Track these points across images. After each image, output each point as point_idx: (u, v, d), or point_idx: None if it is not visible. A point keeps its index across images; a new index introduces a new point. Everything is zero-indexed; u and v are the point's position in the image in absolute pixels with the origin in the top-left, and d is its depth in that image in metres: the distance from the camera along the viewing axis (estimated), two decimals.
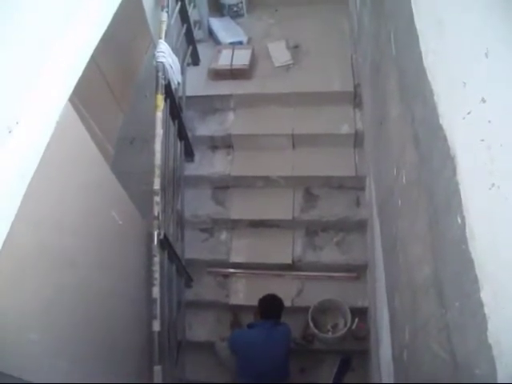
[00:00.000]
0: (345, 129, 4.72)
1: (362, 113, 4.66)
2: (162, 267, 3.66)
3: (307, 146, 4.81)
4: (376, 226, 3.41)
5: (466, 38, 1.23)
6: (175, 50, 4.33)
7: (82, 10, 2.62)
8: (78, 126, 2.92)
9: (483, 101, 1.09)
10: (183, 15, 4.84)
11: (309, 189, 4.81)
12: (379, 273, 3.22)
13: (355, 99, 4.79)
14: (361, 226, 4.61)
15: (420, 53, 1.67)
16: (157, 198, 3.62)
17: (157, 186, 3.62)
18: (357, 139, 4.71)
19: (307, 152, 4.79)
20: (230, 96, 5.01)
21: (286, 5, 5.82)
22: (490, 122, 1.09)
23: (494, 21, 1.05)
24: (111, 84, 4.96)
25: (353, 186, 4.73)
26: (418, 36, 1.72)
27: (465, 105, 1.22)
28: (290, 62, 5.16)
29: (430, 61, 1.58)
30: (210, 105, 5.08)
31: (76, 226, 2.95)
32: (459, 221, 1.23)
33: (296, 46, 5.31)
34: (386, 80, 2.70)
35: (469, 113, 1.19)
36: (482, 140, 1.11)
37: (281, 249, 4.69)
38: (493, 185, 1.06)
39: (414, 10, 1.79)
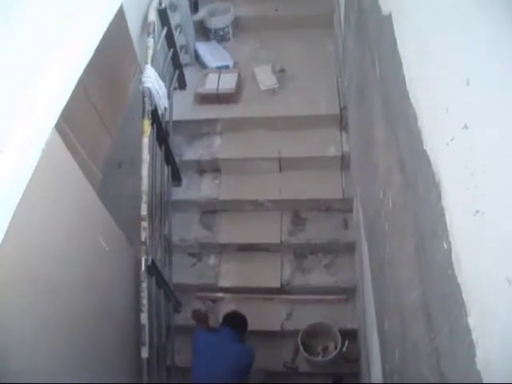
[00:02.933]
0: (331, 151, 4.73)
1: (348, 135, 4.69)
2: (149, 293, 3.64)
3: (294, 170, 4.82)
4: (364, 248, 3.41)
5: (449, 65, 1.25)
6: (162, 75, 4.36)
7: (68, 35, 2.64)
8: (65, 153, 2.92)
9: (466, 127, 1.10)
10: (169, 40, 4.88)
11: (297, 212, 4.82)
12: (368, 295, 3.22)
13: (341, 122, 4.82)
14: (349, 249, 4.61)
15: (403, 78, 1.69)
16: (144, 224, 3.62)
17: (144, 211, 3.62)
18: (343, 162, 4.73)
19: (294, 175, 4.80)
20: (216, 120, 5.03)
21: (272, 28, 5.86)
22: (472, 148, 1.10)
23: (477, 49, 1.06)
24: (99, 107, 4.96)
25: (340, 208, 4.74)
26: (401, 62, 1.74)
27: (448, 131, 1.23)
28: (276, 85, 5.19)
29: (413, 86, 1.60)
30: (197, 129, 5.09)
31: (62, 251, 2.94)
32: (445, 246, 1.24)
33: (282, 70, 5.35)
34: (371, 104, 2.72)
35: (452, 139, 1.20)
36: (465, 166, 1.12)
37: (269, 272, 4.68)
38: (477, 211, 1.06)
39: (397, 36, 1.81)
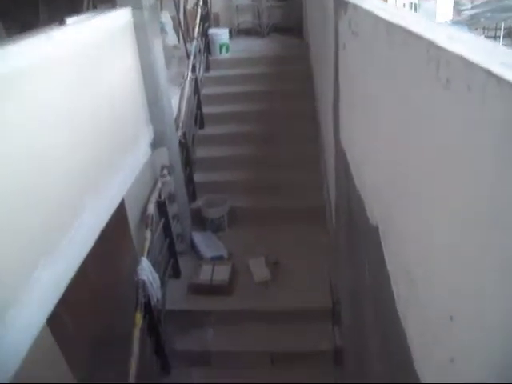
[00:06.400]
0: (324, 346, 4.67)
1: (341, 330, 4.64)
2: None
3: (286, 364, 4.70)
4: None
5: (433, 302, 1.30)
6: (157, 264, 4.43)
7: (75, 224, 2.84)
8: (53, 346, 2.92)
9: (451, 361, 1.13)
10: (166, 230, 5.03)
11: None
12: None
13: (334, 316, 4.81)
14: None
15: (393, 295, 1.73)
16: None
17: None
18: (336, 356, 4.64)
19: (286, 369, 4.63)
20: (209, 312, 5.01)
21: (267, 220, 6.08)
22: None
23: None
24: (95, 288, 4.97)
25: None
26: (389, 277, 1.79)
27: (436, 362, 1.25)
28: (270, 278, 5.26)
29: (402, 306, 1.64)
30: (190, 319, 5.05)
31: None
32: None
33: (276, 263, 5.45)
34: (362, 307, 2.75)
35: (440, 370, 1.22)
36: None
37: None
38: None
39: (385, 253, 1.89)
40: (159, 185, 4.93)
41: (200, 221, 6.21)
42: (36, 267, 2.53)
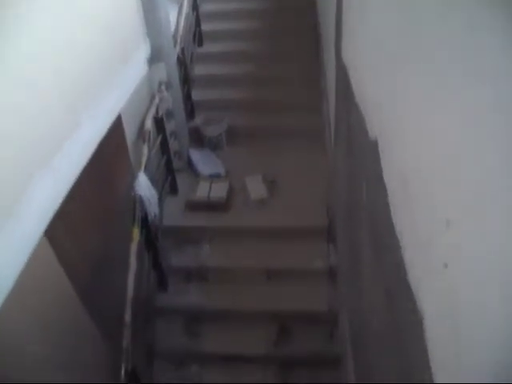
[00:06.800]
0: (318, 264, 4.74)
1: (335, 248, 4.70)
2: None
3: (281, 280, 4.80)
4: (350, 362, 3.36)
5: (429, 209, 1.29)
6: (154, 180, 4.42)
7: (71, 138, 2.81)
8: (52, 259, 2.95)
9: (445, 266, 1.13)
10: (164, 147, 5.00)
11: (282, 323, 4.73)
12: None
13: (329, 235, 4.86)
14: (335, 362, 4.49)
15: (388, 207, 1.73)
16: (126, 331, 3.55)
17: (127, 318, 3.57)
18: (330, 274, 4.72)
19: (281, 286, 4.75)
20: (206, 228, 5.07)
21: (265, 138, 6.03)
22: (452, 289, 1.11)
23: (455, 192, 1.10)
24: (92, 205, 4.99)
25: (326, 320, 4.67)
26: (386, 190, 1.78)
27: (430, 269, 1.26)
28: (266, 196, 5.27)
29: (397, 217, 1.63)
30: (187, 236, 5.12)
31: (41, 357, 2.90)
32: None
33: (273, 181, 5.46)
34: (357, 225, 2.76)
35: (434, 278, 1.23)
36: (449, 308, 1.14)
37: None
38: (457, 354, 1.07)
39: (382, 166, 1.87)
40: (156, 100, 4.85)
41: (198, 139, 6.15)
42: (33, 177, 2.52)
